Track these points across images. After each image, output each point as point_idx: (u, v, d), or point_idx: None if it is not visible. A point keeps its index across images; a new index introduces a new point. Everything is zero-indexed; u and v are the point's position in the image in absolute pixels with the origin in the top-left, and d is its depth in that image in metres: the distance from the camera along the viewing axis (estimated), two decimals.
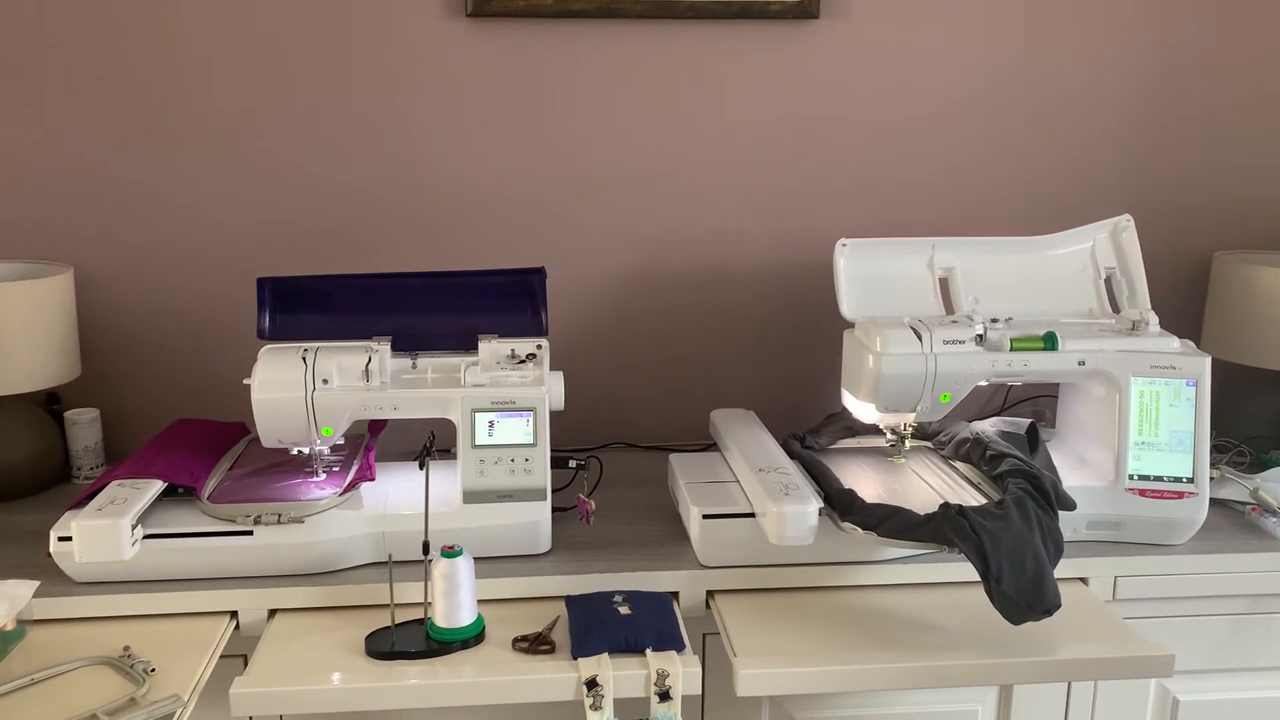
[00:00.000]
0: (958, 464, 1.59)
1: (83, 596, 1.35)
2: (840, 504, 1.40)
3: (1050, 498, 1.39)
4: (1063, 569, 1.45)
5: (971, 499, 1.45)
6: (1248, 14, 1.87)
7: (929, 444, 1.66)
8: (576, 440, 1.90)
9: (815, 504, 1.37)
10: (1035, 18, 1.84)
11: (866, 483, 1.54)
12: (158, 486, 1.41)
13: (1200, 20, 1.86)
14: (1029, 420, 1.58)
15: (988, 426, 1.60)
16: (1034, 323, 1.53)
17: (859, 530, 1.36)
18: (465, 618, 1.30)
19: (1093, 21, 1.85)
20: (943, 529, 1.31)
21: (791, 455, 1.56)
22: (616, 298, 1.90)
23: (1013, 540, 1.30)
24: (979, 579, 1.29)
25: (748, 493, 1.47)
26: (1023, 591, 1.27)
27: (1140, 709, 1.55)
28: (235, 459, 1.58)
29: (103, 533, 1.31)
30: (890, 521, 1.35)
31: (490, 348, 1.48)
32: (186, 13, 1.72)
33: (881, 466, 1.62)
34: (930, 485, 1.54)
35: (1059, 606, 1.28)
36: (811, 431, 1.67)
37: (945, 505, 1.34)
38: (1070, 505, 1.43)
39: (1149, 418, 1.50)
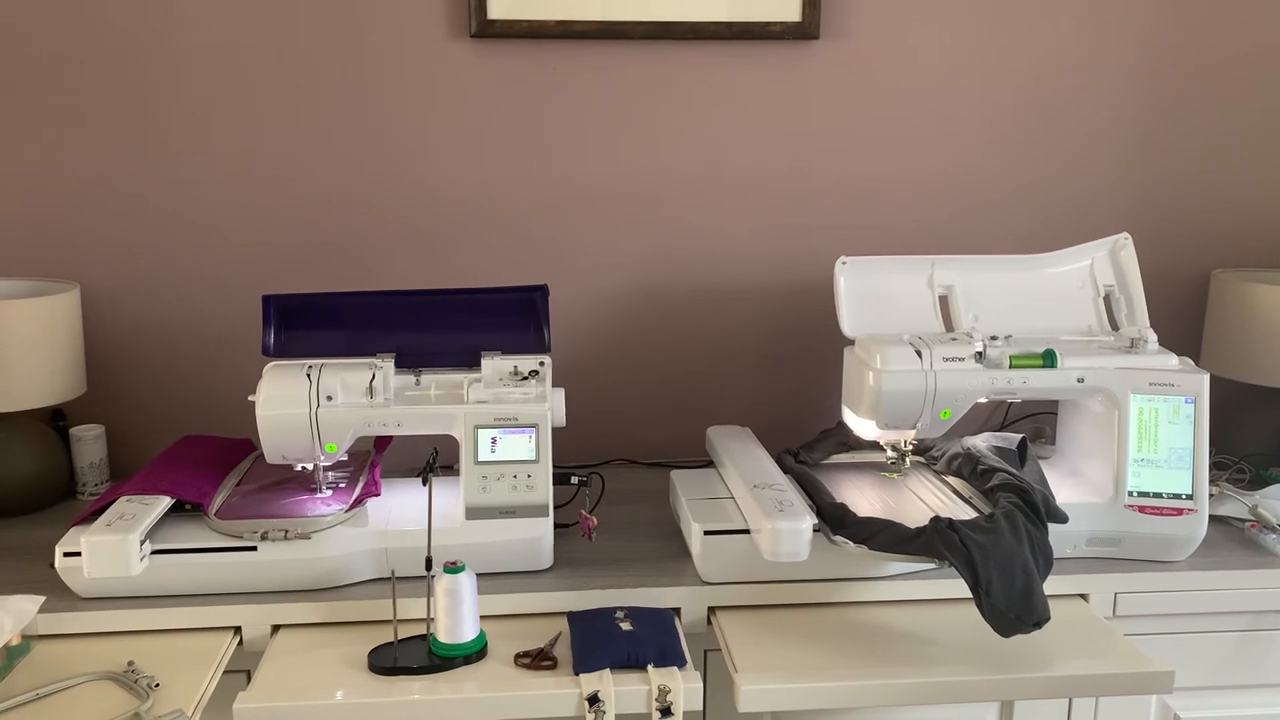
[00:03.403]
0: (950, 478, 1.60)
1: (87, 612, 1.36)
2: (832, 518, 1.41)
3: (1040, 511, 1.40)
4: (1063, 585, 1.46)
5: (963, 513, 1.46)
6: (1246, 33, 1.88)
7: (922, 459, 1.67)
8: (578, 456, 1.91)
9: (809, 520, 1.37)
10: (1033, 38, 1.86)
11: (859, 497, 1.55)
12: (166, 502, 1.42)
13: (1199, 39, 1.88)
14: (1020, 435, 1.59)
15: (980, 441, 1.61)
16: (1033, 340, 1.55)
17: (851, 544, 1.37)
18: (468, 633, 1.30)
19: (1091, 41, 1.86)
20: (933, 542, 1.32)
21: (785, 470, 1.57)
22: (618, 315, 1.91)
23: (1002, 553, 1.31)
24: None
25: (743, 509, 1.48)
26: (1012, 604, 1.28)
27: None
28: (242, 475, 1.59)
29: (112, 548, 1.31)
30: (882, 535, 1.36)
31: (493, 364, 1.50)
32: (192, 31, 1.74)
33: (874, 481, 1.62)
34: (922, 499, 1.54)
35: (1048, 619, 1.29)
36: (805, 446, 1.68)
37: (936, 519, 1.35)
38: (1062, 518, 1.44)
39: (1148, 435, 1.50)
